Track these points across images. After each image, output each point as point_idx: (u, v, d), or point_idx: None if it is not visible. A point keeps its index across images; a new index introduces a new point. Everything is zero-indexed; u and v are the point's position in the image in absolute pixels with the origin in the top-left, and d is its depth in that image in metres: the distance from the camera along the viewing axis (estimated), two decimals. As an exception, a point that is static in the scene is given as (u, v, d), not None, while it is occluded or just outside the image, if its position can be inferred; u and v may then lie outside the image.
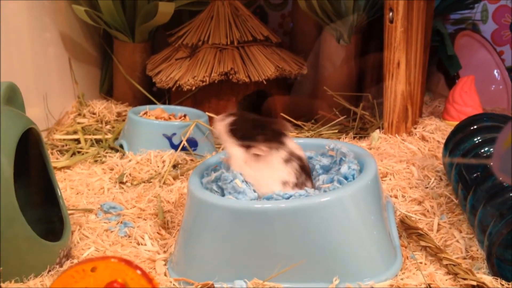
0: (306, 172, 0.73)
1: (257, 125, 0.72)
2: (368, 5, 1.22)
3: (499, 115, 0.88)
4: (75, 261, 0.73)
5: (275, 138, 0.71)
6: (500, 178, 0.32)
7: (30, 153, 0.75)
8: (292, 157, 0.72)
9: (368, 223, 0.68)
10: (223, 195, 0.71)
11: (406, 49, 1.03)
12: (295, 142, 0.74)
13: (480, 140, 0.81)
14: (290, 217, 0.65)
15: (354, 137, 1.13)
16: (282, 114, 1.23)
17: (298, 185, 0.71)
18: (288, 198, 0.69)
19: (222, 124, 0.73)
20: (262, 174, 0.70)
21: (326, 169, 0.77)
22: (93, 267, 0.45)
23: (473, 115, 0.89)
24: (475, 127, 0.84)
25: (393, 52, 1.03)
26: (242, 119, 0.73)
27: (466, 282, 0.64)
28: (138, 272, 0.41)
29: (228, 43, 1.23)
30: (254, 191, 0.70)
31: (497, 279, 0.65)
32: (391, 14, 1.01)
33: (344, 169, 0.72)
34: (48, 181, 0.76)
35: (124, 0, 1.31)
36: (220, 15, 1.26)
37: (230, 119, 0.73)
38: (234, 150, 0.72)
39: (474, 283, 0.63)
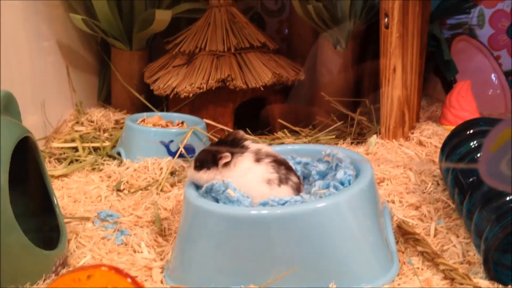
0: (285, 166, 0.73)
1: (213, 148, 0.75)
2: (364, 10, 1.22)
3: (495, 119, 0.88)
4: (71, 269, 0.73)
5: (235, 145, 0.73)
6: (488, 182, 0.32)
7: (26, 162, 0.75)
8: (260, 156, 0.72)
9: (364, 228, 0.68)
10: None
11: (402, 54, 1.03)
12: (262, 144, 0.76)
13: (476, 145, 0.81)
14: (287, 223, 0.65)
15: (352, 143, 1.13)
16: (280, 120, 1.24)
17: (282, 180, 0.71)
18: (284, 204, 0.69)
19: (189, 170, 0.75)
20: (244, 182, 0.71)
21: (322, 175, 0.77)
22: (89, 275, 0.45)
23: (469, 120, 0.89)
24: (471, 131, 0.84)
25: (389, 58, 1.03)
26: (201, 153, 0.76)
27: (463, 287, 0.64)
28: (128, 280, 0.41)
29: (225, 50, 1.23)
30: (248, 197, 0.70)
31: (494, 284, 0.64)
32: (386, 19, 1.02)
33: (340, 174, 0.72)
34: (45, 190, 0.76)
35: (121, 8, 1.32)
36: (217, 22, 1.27)
37: (193, 161, 0.75)
38: (208, 177, 0.73)
39: (471, 287, 0.63)
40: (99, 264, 0.48)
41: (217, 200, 0.71)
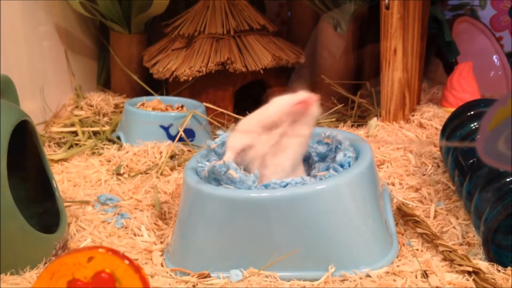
0: None
1: None
2: (365, -9, 1.21)
3: (496, 100, 0.87)
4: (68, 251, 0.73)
5: None
6: (485, 161, 0.31)
7: (25, 146, 0.75)
8: None
9: (363, 210, 0.68)
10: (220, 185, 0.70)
11: (403, 36, 1.02)
12: None
13: (476, 126, 0.81)
14: (286, 205, 0.65)
15: (352, 125, 1.13)
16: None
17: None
18: (285, 186, 0.68)
19: None
20: None
21: (322, 157, 0.77)
22: (89, 257, 0.45)
23: (470, 101, 0.89)
24: (472, 113, 0.83)
25: (389, 40, 1.02)
26: None
27: (462, 268, 0.64)
28: (126, 262, 0.41)
29: (225, 32, 1.22)
30: (251, 176, 0.69)
31: (493, 265, 0.65)
32: (387, 0, 1.01)
33: (339, 156, 0.72)
34: (44, 174, 0.76)
35: (119, -9, 1.31)
36: (216, 5, 1.25)
37: None
38: None
39: (470, 269, 0.63)
40: (97, 246, 0.48)
41: (219, 181, 0.70)
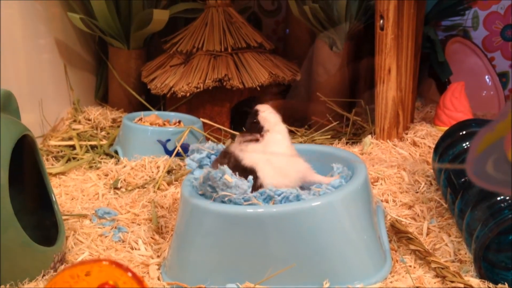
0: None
1: None
2: (360, 12, 1.23)
3: (488, 120, 0.89)
4: (71, 264, 0.74)
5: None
6: (475, 182, 0.33)
7: (25, 160, 0.76)
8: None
9: (358, 227, 0.69)
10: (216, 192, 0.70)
11: (397, 55, 1.05)
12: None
13: (468, 145, 0.83)
14: (282, 221, 0.66)
15: (347, 143, 1.15)
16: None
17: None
18: (279, 194, 0.70)
19: None
20: None
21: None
22: (88, 271, 0.46)
23: (462, 121, 0.91)
24: (463, 132, 0.85)
25: (384, 59, 1.05)
26: None
27: (453, 284, 0.65)
28: (129, 274, 0.42)
29: (222, 50, 1.24)
30: (248, 181, 0.70)
31: (484, 282, 0.66)
32: (381, 21, 1.03)
33: (335, 182, 0.74)
34: (43, 187, 0.77)
35: (119, 7, 1.33)
36: (214, 22, 1.28)
37: None
38: None
39: (462, 285, 0.64)
40: (100, 258, 0.49)
41: (214, 189, 0.70)
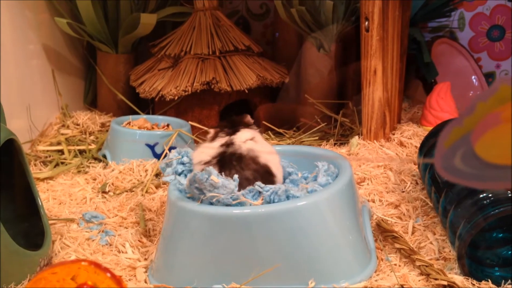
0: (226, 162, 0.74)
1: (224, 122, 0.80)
2: (347, 14, 1.24)
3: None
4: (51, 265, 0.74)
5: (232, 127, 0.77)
6: (443, 176, 0.34)
7: (11, 164, 0.76)
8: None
9: (343, 226, 0.69)
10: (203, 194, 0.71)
11: (383, 57, 1.06)
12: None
13: (452, 144, 0.83)
14: (267, 221, 0.66)
15: (335, 144, 1.15)
16: (264, 122, 1.25)
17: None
18: (267, 190, 0.70)
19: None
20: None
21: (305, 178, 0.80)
22: (73, 275, 0.46)
23: (446, 120, 0.91)
24: (448, 131, 0.86)
25: (369, 60, 1.05)
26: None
27: (437, 282, 0.66)
28: (108, 274, 0.43)
29: (210, 53, 1.25)
30: (234, 180, 0.71)
31: (468, 279, 0.67)
32: (366, 23, 1.04)
33: (322, 180, 0.74)
34: (29, 192, 0.77)
35: (106, 12, 1.33)
36: (202, 26, 1.28)
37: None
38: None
39: (445, 283, 0.65)
40: (79, 259, 0.49)
41: (201, 190, 0.70)
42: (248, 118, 0.80)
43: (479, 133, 0.30)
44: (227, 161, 0.74)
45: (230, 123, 0.78)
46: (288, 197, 0.70)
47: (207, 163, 0.74)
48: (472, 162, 0.30)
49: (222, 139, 0.76)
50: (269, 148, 0.78)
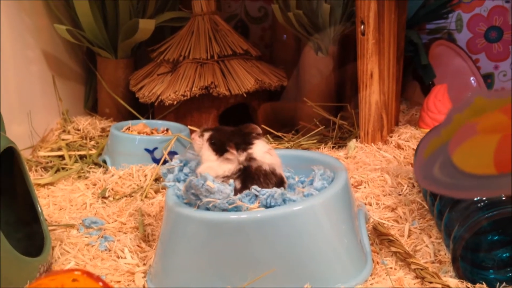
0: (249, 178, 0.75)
1: (230, 134, 0.77)
2: (344, 17, 1.25)
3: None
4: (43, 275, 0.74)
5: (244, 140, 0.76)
6: (423, 185, 0.34)
7: (10, 171, 0.77)
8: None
9: (339, 230, 0.70)
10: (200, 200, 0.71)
11: (379, 60, 1.06)
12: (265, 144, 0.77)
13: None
14: (264, 226, 0.67)
15: (333, 147, 1.16)
16: (263, 126, 1.26)
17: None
18: (264, 194, 0.71)
19: (202, 139, 0.77)
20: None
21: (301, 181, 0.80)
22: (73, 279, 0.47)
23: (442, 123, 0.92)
24: (443, 134, 0.87)
25: (366, 63, 1.06)
26: (218, 132, 0.77)
27: (432, 285, 0.66)
28: (100, 284, 0.43)
29: (209, 57, 1.26)
30: (230, 184, 0.71)
31: (462, 282, 0.67)
32: (362, 26, 1.05)
33: (318, 184, 0.75)
34: (29, 198, 0.78)
35: (106, 17, 1.34)
36: (200, 30, 1.29)
37: (209, 134, 0.77)
38: (209, 159, 0.76)
39: (440, 286, 0.66)
40: (72, 268, 0.50)
41: (197, 196, 0.71)
42: (258, 129, 0.79)
43: (456, 143, 0.31)
44: (251, 177, 0.74)
45: (241, 136, 0.77)
46: (284, 201, 0.71)
47: (226, 177, 0.74)
48: (450, 171, 0.31)
49: (234, 153, 0.75)
50: (278, 158, 0.78)
